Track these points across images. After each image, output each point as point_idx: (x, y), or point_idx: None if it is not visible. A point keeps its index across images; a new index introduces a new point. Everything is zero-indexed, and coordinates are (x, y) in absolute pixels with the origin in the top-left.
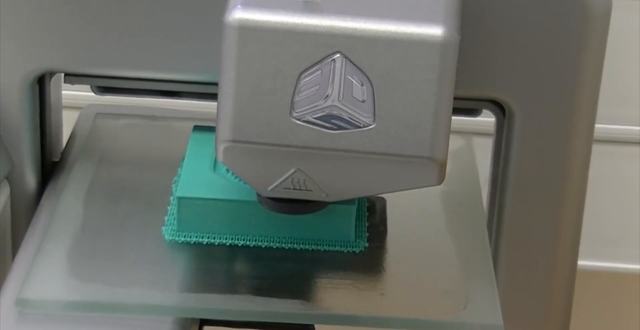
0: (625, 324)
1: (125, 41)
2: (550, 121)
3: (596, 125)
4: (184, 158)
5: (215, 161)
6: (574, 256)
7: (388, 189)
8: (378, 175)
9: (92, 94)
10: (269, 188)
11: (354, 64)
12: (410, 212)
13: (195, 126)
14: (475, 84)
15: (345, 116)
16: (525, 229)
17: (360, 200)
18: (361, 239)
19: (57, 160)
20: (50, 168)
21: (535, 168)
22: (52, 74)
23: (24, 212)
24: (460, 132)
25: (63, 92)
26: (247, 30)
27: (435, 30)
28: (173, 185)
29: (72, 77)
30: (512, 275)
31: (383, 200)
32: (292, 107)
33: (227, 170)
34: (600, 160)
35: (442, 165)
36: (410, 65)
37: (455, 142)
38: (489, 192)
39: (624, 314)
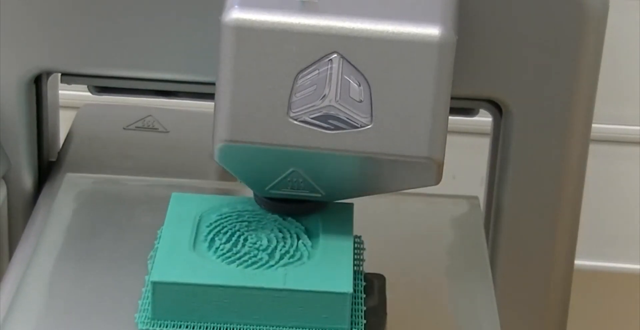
0: (626, 324)
1: (122, 41)
2: (547, 121)
3: (596, 125)
4: (160, 231)
5: (196, 237)
6: (571, 255)
7: (385, 189)
8: (375, 176)
9: (89, 93)
10: (266, 188)
11: (351, 64)
12: (413, 291)
13: (173, 195)
14: (472, 83)
15: (342, 116)
16: (522, 229)
17: (355, 281)
18: (357, 327)
19: (54, 159)
20: (47, 167)
21: (532, 167)
22: (49, 73)
23: (21, 211)
24: (467, 198)
25: (60, 91)
26: (244, 30)
27: (432, 30)
28: (149, 262)
29: (69, 77)
30: (509, 275)
31: (382, 279)
32: (289, 107)
33: (209, 248)
34: (600, 160)
35: (440, 165)
36: (408, 65)
37: (460, 207)
38: (486, 192)
39: (625, 314)
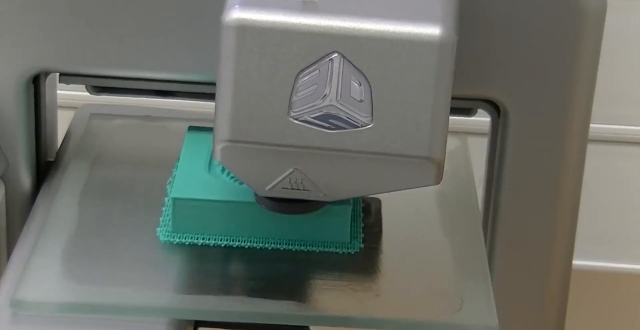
0: (625, 324)
1: (121, 41)
2: (545, 121)
3: (595, 125)
4: (178, 158)
5: (211, 161)
6: (569, 255)
7: (386, 188)
8: (376, 175)
9: (87, 93)
10: (267, 188)
11: (352, 64)
12: (406, 212)
13: (190, 126)
14: (470, 83)
15: (343, 116)
16: (521, 229)
17: (355, 201)
18: (356, 240)
19: (52, 160)
20: (45, 168)
21: (530, 167)
22: (47, 73)
23: (19, 211)
24: (455, 132)
25: (58, 91)
26: (245, 30)
27: (433, 30)
28: (168, 186)
29: (67, 77)
30: (507, 275)
31: (378, 201)
32: (289, 106)
33: (222, 171)
34: (599, 160)
35: (440, 165)
36: (408, 65)
37: (450, 143)
38: (484, 192)
39: (624, 315)
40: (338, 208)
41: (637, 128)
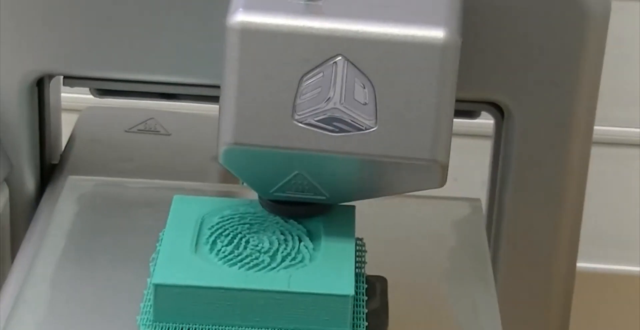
0: (627, 326)
1: (125, 43)
2: (549, 123)
3: (597, 127)
4: (163, 232)
5: (198, 239)
6: (573, 257)
7: (390, 191)
8: (380, 178)
9: (91, 96)
10: (270, 190)
11: (356, 67)
12: (415, 293)
13: (176, 196)
14: (473, 86)
15: (347, 119)
16: (525, 231)
17: (358, 284)
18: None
19: (56, 162)
20: (49, 170)
21: (534, 170)
22: (51, 76)
23: (23, 214)
24: (469, 200)
25: (62, 94)
26: (249, 33)
27: (437, 33)
28: (150, 265)
29: (71, 80)
30: (511, 277)
31: (384, 281)
32: (293, 109)
33: (210, 250)
34: (601, 162)
35: (444, 168)
36: (412, 67)
37: (461, 209)
38: (488, 194)
39: (625, 316)
40: (337, 295)
41: (638, 130)
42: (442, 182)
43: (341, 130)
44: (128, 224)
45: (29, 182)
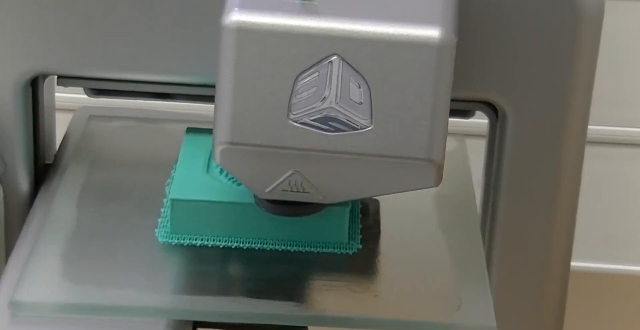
0: (625, 325)
1: (118, 43)
2: (543, 122)
3: (596, 127)
4: (177, 160)
5: (209, 163)
6: (568, 257)
7: (385, 191)
8: (375, 177)
9: (86, 96)
10: (267, 190)
11: (351, 66)
12: (404, 214)
13: (188, 128)
14: (467, 85)
15: (342, 118)
16: (519, 230)
17: (353, 202)
18: (354, 241)
19: (50, 162)
20: (43, 170)
21: (528, 169)
22: (45, 76)
23: (17, 214)
24: (453, 134)
25: (56, 94)
26: (245, 32)
27: (432, 32)
28: (166, 188)
29: (65, 80)
30: (505, 276)
31: (377, 202)
32: (289, 109)
33: (221, 172)
34: (600, 161)
35: (440, 167)
36: (408, 67)
37: (448, 144)
38: (482, 194)
39: (624, 316)
40: (336, 209)
41: (638, 130)
42: (438, 181)
43: (337, 130)
44: (145, 156)
45: (23, 182)
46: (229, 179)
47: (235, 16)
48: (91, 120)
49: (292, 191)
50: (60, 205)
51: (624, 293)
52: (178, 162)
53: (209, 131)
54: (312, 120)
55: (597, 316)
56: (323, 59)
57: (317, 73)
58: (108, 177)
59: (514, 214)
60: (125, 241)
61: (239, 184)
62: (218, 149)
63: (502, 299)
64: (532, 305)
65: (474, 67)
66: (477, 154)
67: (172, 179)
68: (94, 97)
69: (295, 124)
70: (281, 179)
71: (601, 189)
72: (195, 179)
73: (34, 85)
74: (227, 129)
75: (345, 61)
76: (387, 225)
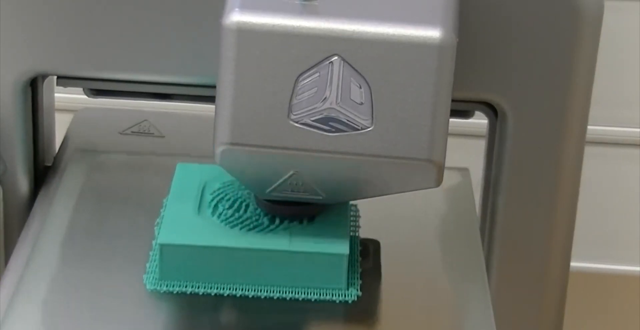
0: (625, 326)
1: (118, 44)
2: (543, 123)
3: (596, 127)
4: (167, 197)
5: (200, 202)
6: (567, 257)
7: (386, 191)
8: (376, 178)
9: (85, 96)
10: (267, 191)
11: (352, 67)
12: (406, 254)
13: (179, 164)
14: (467, 85)
15: (343, 119)
16: (519, 231)
17: (352, 245)
18: (354, 288)
19: (50, 164)
20: (42, 171)
21: (528, 169)
22: (44, 76)
23: (17, 215)
24: (458, 168)
25: (56, 94)
26: (245, 33)
27: (433, 33)
28: (155, 228)
29: (65, 80)
30: (505, 277)
31: (377, 243)
32: (290, 109)
33: (212, 213)
34: (600, 162)
35: (440, 167)
36: (408, 67)
37: (452, 177)
38: (482, 194)
39: (624, 316)
40: (334, 254)
41: (638, 130)
42: (439, 182)
43: (337, 130)
44: (133, 193)
45: (23, 184)
46: (222, 221)
47: (236, 17)
48: (76, 153)
49: (292, 191)
50: (45, 244)
51: (624, 293)
52: (168, 202)
53: (201, 168)
54: (312, 120)
55: (597, 316)
56: (324, 60)
57: (317, 73)
58: (94, 214)
59: (514, 214)
60: (112, 288)
61: (233, 226)
62: (218, 150)
63: (502, 299)
64: (532, 305)
65: (473, 67)
66: (477, 154)
67: (162, 219)
68: (94, 98)
69: (296, 124)
70: (282, 180)
71: (601, 189)
72: (185, 220)
73: (34, 85)
74: (228, 130)
75: (346, 62)
76: (389, 268)
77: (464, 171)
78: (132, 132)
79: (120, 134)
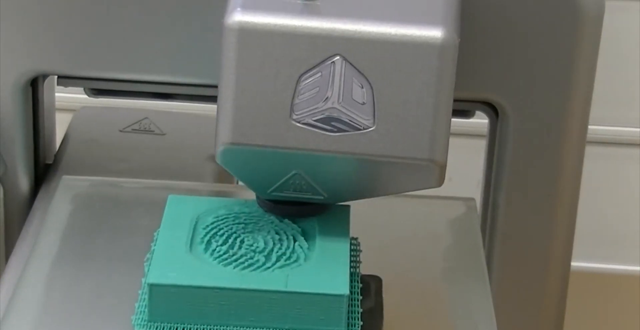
0: (625, 325)
1: (119, 43)
2: (543, 122)
3: (596, 127)
4: (157, 231)
5: (192, 239)
6: (568, 257)
7: (388, 191)
8: (378, 178)
9: (86, 96)
10: (268, 191)
11: (354, 66)
12: (409, 292)
13: (170, 197)
14: (468, 85)
15: (345, 118)
16: (519, 231)
17: (352, 284)
18: (354, 329)
19: (50, 162)
20: (43, 170)
21: (529, 169)
22: (45, 76)
23: (17, 214)
24: (463, 198)
25: (56, 94)
26: (247, 32)
27: (434, 33)
28: (145, 265)
29: (65, 80)
30: (505, 277)
31: (379, 281)
32: (291, 109)
33: (205, 250)
34: (600, 161)
35: (442, 168)
36: (410, 67)
37: (457, 209)
38: (482, 194)
39: (624, 316)
40: (332, 295)
41: (638, 130)
42: (440, 182)
43: (339, 130)
44: (123, 224)
45: (23, 182)
46: (215, 258)
47: (238, 16)
48: (63, 181)
49: (294, 192)
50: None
51: (624, 293)
52: (158, 236)
53: (193, 200)
54: (314, 120)
55: (597, 316)
56: (325, 60)
57: (319, 73)
58: (82, 249)
59: (514, 214)
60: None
61: (226, 264)
62: (220, 149)
63: (502, 299)
64: (532, 305)
65: (474, 67)
66: (477, 154)
67: (152, 254)
68: (94, 97)
69: (298, 124)
70: (283, 180)
71: (601, 189)
72: (176, 257)
73: (34, 85)
74: (229, 130)
75: (347, 61)
76: (391, 307)
77: (469, 201)
78: (132, 129)
79: (121, 131)
